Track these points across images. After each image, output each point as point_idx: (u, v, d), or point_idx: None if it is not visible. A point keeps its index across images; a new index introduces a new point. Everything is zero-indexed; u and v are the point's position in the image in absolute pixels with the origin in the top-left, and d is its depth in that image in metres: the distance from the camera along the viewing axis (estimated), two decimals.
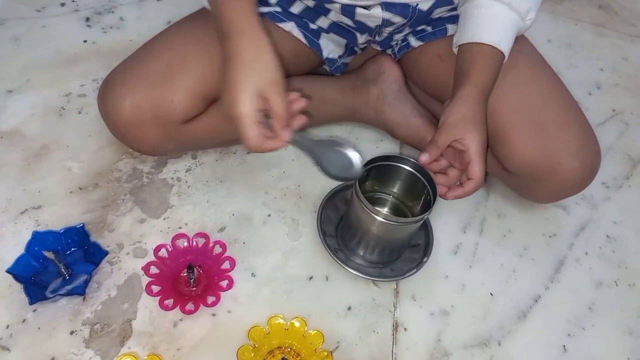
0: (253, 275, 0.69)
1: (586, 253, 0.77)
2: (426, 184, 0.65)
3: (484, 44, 0.65)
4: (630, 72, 1.05)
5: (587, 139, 0.71)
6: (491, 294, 0.72)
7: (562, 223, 0.80)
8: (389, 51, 0.82)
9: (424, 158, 0.64)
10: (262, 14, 0.71)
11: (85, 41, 0.90)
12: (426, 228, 0.74)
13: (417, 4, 0.70)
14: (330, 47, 0.77)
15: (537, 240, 0.78)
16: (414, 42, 0.77)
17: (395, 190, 0.71)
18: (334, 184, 0.76)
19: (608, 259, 0.77)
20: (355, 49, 0.80)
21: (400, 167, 0.67)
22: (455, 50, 0.70)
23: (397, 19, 0.71)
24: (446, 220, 0.77)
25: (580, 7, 1.17)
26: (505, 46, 0.66)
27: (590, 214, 0.82)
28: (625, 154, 0.91)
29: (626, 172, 0.88)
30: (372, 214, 0.62)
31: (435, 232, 0.74)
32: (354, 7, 0.69)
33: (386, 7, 0.69)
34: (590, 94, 0.99)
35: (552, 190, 0.73)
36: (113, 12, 0.95)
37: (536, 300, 0.72)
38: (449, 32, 0.74)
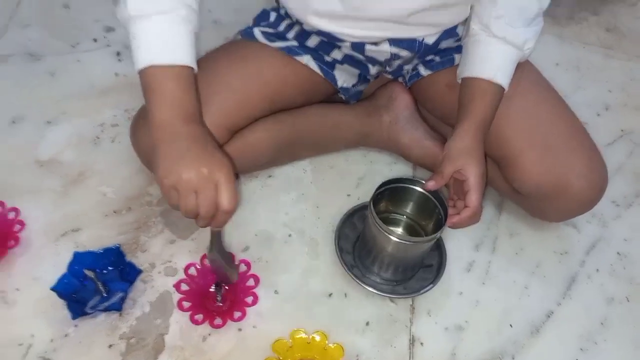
0: (276, 292, 0.73)
1: (597, 270, 0.80)
2: (437, 204, 0.69)
3: (482, 79, 0.70)
4: (638, 92, 1.08)
5: (594, 161, 0.74)
6: (504, 309, 0.74)
7: (574, 241, 0.83)
8: (400, 79, 0.87)
9: (430, 184, 0.69)
10: (280, 49, 0.77)
11: (116, 74, 0.97)
12: (439, 249, 0.77)
13: (423, 39, 0.75)
14: (344, 77, 0.82)
15: (549, 257, 0.80)
16: (423, 71, 0.82)
17: (408, 210, 0.75)
18: (350, 204, 0.80)
19: (619, 276, 0.80)
20: (368, 77, 0.85)
21: (412, 188, 0.72)
22: (459, 81, 0.74)
23: (405, 53, 0.76)
24: (459, 239, 0.80)
25: (587, 30, 1.21)
26: (502, 79, 0.71)
27: (601, 231, 0.84)
28: (634, 173, 0.93)
29: (636, 190, 0.91)
30: (387, 234, 0.66)
31: (449, 251, 0.78)
32: (363, 44, 0.74)
33: (393, 43, 0.74)
34: (599, 114, 1.02)
35: (562, 209, 0.77)
36: None
37: (549, 316, 0.75)
38: (456, 62, 0.78)
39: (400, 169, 0.88)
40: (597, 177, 0.73)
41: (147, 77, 0.59)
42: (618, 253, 0.82)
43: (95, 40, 1.02)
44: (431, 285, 0.73)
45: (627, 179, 0.92)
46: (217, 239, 0.66)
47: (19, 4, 1.06)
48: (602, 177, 0.74)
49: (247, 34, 0.79)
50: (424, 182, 0.70)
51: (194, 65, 0.62)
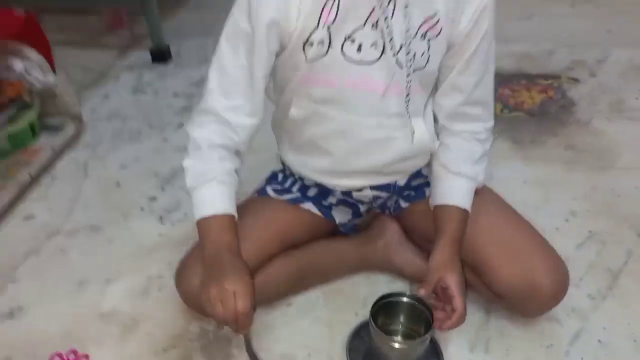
0: None
1: (582, 358, 0.90)
2: (425, 310, 0.84)
3: (449, 205, 0.90)
4: (600, 198, 1.24)
5: (556, 261, 0.89)
6: None
7: (558, 334, 0.94)
8: (387, 211, 1.06)
9: (422, 292, 0.84)
10: (287, 200, 0.98)
11: (160, 235, 1.19)
12: (436, 352, 0.89)
13: (396, 182, 0.96)
14: (341, 215, 1.02)
15: (536, 351, 0.91)
16: (403, 204, 1.02)
17: (401, 320, 0.89)
18: (359, 321, 0.95)
19: None
20: (361, 213, 1.05)
21: (401, 300, 0.87)
22: (432, 208, 0.93)
23: (384, 194, 0.97)
24: (455, 342, 0.92)
25: (550, 151, 1.42)
26: (465, 204, 0.90)
27: (581, 323, 0.96)
28: (605, 268, 1.06)
29: (608, 283, 1.03)
30: (387, 342, 0.80)
31: (448, 354, 0.90)
32: (350, 191, 0.96)
33: (373, 188, 0.96)
34: (567, 220, 1.18)
35: (536, 305, 0.90)
36: (179, 209, 1.26)
37: None
38: (427, 194, 0.98)
39: (398, 286, 1.03)
40: (560, 274, 0.88)
41: (200, 225, 0.84)
42: (599, 341, 0.92)
43: (142, 209, 1.26)
44: None
45: (599, 274, 1.05)
46: (246, 344, 0.82)
47: (81, 189, 1.33)
48: (565, 274, 0.88)
49: (261, 192, 1.01)
50: (412, 294, 0.85)
51: (234, 213, 0.85)
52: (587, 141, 1.44)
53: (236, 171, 0.87)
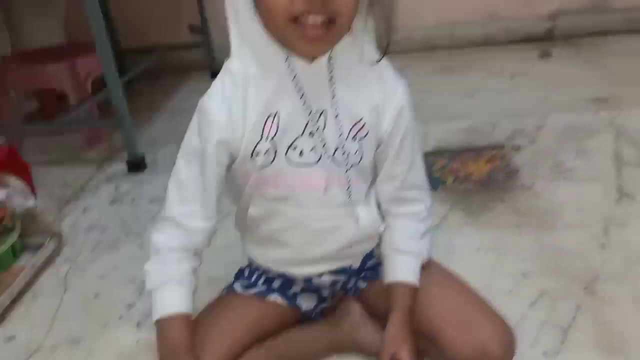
0: None
1: None
2: None
3: (398, 281, 0.99)
4: (547, 257, 1.34)
5: (503, 327, 0.96)
6: None
7: None
8: (349, 294, 1.14)
9: None
10: (254, 294, 1.06)
11: (137, 341, 1.23)
12: None
13: (351, 265, 1.06)
14: (307, 303, 1.10)
15: None
16: (361, 284, 1.10)
17: None
18: None
19: None
20: (325, 298, 1.12)
21: None
22: (386, 286, 1.02)
23: (341, 278, 1.06)
24: None
25: (499, 216, 1.53)
26: (412, 278, 0.99)
27: None
28: (556, 325, 1.13)
29: (560, 338, 1.10)
30: None
31: None
32: (310, 277, 1.04)
33: (331, 273, 1.05)
34: (518, 282, 1.26)
35: None
36: None
37: None
38: (382, 274, 1.07)
39: None
40: (509, 340, 0.95)
41: (157, 326, 0.92)
42: None
43: (120, 317, 1.32)
44: None
45: (551, 331, 1.12)
46: None
47: (61, 302, 1.39)
48: (512, 339, 0.95)
49: (229, 289, 1.09)
50: None
51: (189, 312, 0.92)
52: (531, 204, 1.56)
53: (194, 270, 0.96)
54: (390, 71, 0.95)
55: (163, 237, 0.94)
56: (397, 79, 0.96)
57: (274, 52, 0.85)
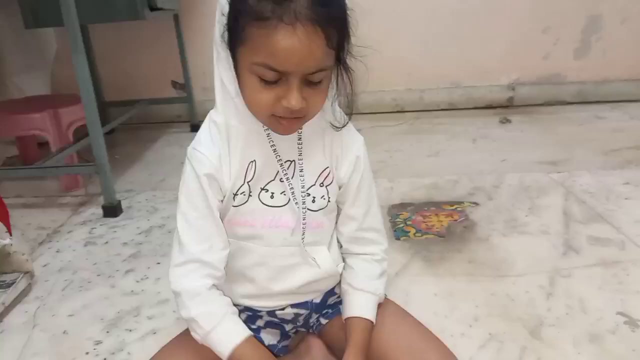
0: None
1: None
2: None
3: (356, 317, 1.07)
4: (498, 303, 1.44)
5: (452, 358, 1.04)
6: None
7: None
8: (311, 330, 1.21)
9: None
10: None
11: None
12: None
13: (313, 300, 1.13)
14: (270, 338, 1.16)
15: None
16: (322, 320, 1.17)
17: None
18: None
19: None
20: (288, 334, 1.19)
21: None
22: (344, 322, 1.10)
23: (303, 311, 1.13)
24: None
25: (455, 265, 1.63)
26: (369, 315, 1.07)
27: None
28: None
29: None
30: None
31: None
32: (274, 310, 1.12)
33: (293, 306, 1.12)
34: (470, 325, 1.35)
35: None
36: (122, 350, 1.34)
37: None
38: (342, 310, 1.15)
39: None
40: None
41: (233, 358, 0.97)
42: None
43: (87, 353, 1.34)
44: None
45: None
46: None
47: (30, 340, 1.40)
48: None
49: None
50: None
51: (250, 334, 1.00)
52: (486, 255, 1.67)
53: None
54: (350, 128, 1.08)
55: (195, 280, 1.00)
56: (355, 134, 1.09)
57: (254, 119, 0.98)
